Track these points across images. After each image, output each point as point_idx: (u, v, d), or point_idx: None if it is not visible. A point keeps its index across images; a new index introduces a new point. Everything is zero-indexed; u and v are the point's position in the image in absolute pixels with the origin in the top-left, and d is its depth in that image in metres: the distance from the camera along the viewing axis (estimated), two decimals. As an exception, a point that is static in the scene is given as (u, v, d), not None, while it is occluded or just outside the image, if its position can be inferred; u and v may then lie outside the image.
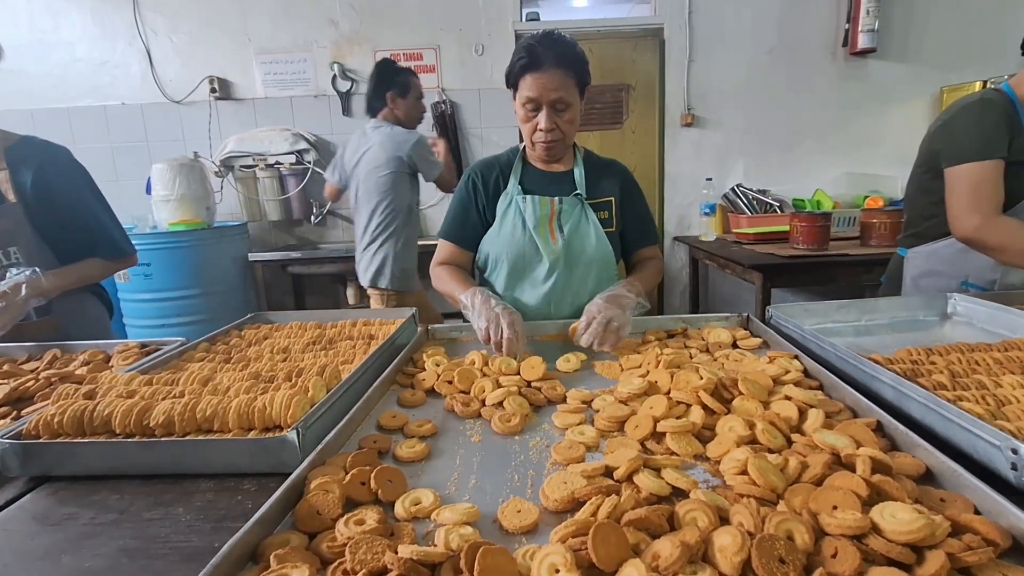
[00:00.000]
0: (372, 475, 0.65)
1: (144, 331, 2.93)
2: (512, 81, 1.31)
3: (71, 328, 1.42)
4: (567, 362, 1.09)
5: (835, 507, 0.55)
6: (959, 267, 1.48)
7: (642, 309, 1.25)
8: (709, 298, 3.76)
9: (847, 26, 3.32)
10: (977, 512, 0.56)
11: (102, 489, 0.73)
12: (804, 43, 3.40)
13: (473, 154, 3.51)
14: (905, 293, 1.64)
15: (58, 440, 0.76)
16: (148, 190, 3.04)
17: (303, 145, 3.35)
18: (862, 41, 3.27)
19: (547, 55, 1.24)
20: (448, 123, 3.40)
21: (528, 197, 1.39)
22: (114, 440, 0.75)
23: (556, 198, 1.39)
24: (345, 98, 3.40)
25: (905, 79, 3.41)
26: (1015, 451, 0.60)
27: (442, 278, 1.40)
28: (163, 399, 0.81)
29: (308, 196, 3.47)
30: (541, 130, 1.30)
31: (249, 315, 1.40)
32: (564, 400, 0.92)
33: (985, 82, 3.06)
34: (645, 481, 0.63)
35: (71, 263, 1.44)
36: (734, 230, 3.24)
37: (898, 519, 0.51)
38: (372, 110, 2.43)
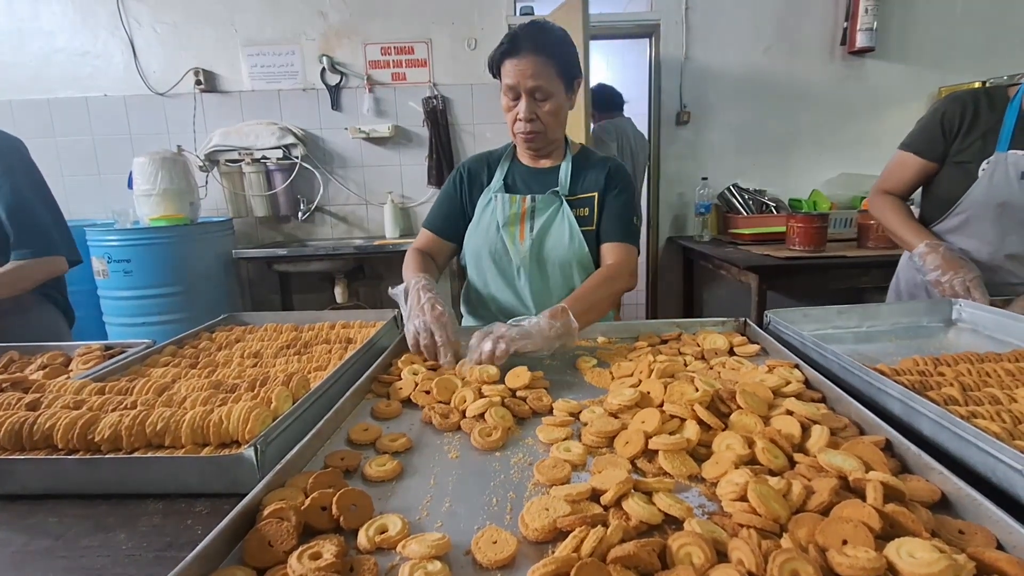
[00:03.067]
0: (334, 499, 0.59)
1: (124, 329, 2.85)
2: (494, 69, 1.26)
3: (20, 338, 1.27)
4: (587, 362, 1.05)
5: (845, 541, 0.49)
6: None
7: (562, 334, 1.02)
8: (703, 299, 3.71)
9: (845, 25, 3.28)
10: (1000, 547, 0.51)
11: (39, 511, 0.66)
12: (802, 41, 3.35)
13: (465, 150, 3.44)
14: (890, 294, 1.63)
15: (-8, 456, 0.70)
16: (130, 184, 2.95)
17: (290, 140, 3.27)
18: (860, 40, 3.23)
19: (526, 42, 1.19)
20: (439, 118, 3.33)
21: (502, 195, 1.34)
22: (52, 457, 0.69)
23: (530, 196, 1.33)
24: (334, 92, 3.32)
25: (903, 79, 3.37)
26: (1039, 477, 0.55)
27: (406, 264, 1.34)
28: (112, 410, 0.75)
29: (295, 192, 3.39)
30: (520, 119, 1.24)
31: (222, 316, 1.33)
32: (550, 411, 0.86)
33: (984, 82, 3.02)
34: (635, 508, 0.57)
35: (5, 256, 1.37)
36: (730, 231, 3.20)
37: (917, 558, 0.45)
38: None
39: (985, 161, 1.35)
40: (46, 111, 3.29)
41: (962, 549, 0.48)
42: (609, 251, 1.34)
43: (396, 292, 1.19)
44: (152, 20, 3.25)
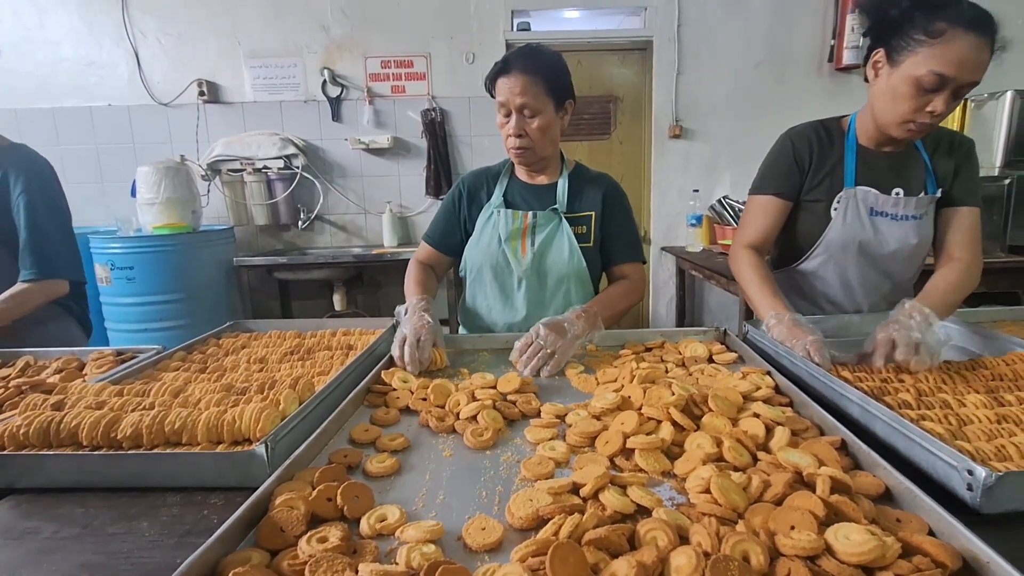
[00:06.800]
0: (339, 491, 0.65)
1: (127, 335, 2.90)
2: (489, 89, 1.34)
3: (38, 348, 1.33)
4: (574, 369, 1.12)
5: (793, 527, 0.56)
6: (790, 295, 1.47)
7: (592, 336, 1.20)
8: (695, 309, 3.78)
9: (832, 42, 3.39)
10: (932, 533, 0.57)
11: (67, 502, 0.72)
12: (791, 58, 3.46)
13: (463, 162, 3.52)
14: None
15: (23, 452, 0.75)
16: (133, 193, 3.02)
17: (291, 150, 3.34)
18: (847, 57, 3.33)
19: (517, 62, 1.28)
20: (437, 130, 3.41)
21: (503, 210, 1.41)
22: (80, 453, 0.75)
23: (531, 212, 1.40)
24: (335, 104, 3.40)
25: (888, 95, 3.46)
26: (971, 472, 0.62)
27: (408, 275, 1.44)
28: (132, 411, 0.81)
29: (296, 201, 3.46)
30: (510, 135, 1.32)
31: (228, 323, 1.39)
32: (538, 414, 0.93)
33: (966, 100, 3.12)
34: (610, 499, 0.63)
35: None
36: (720, 241, 3.27)
37: (851, 540, 0.52)
38: None
39: (836, 199, 1.32)
40: (51, 120, 3.36)
41: (893, 534, 0.54)
42: (622, 271, 1.47)
43: (399, 311, 1.28)
44: (157, 31, 3.32)
